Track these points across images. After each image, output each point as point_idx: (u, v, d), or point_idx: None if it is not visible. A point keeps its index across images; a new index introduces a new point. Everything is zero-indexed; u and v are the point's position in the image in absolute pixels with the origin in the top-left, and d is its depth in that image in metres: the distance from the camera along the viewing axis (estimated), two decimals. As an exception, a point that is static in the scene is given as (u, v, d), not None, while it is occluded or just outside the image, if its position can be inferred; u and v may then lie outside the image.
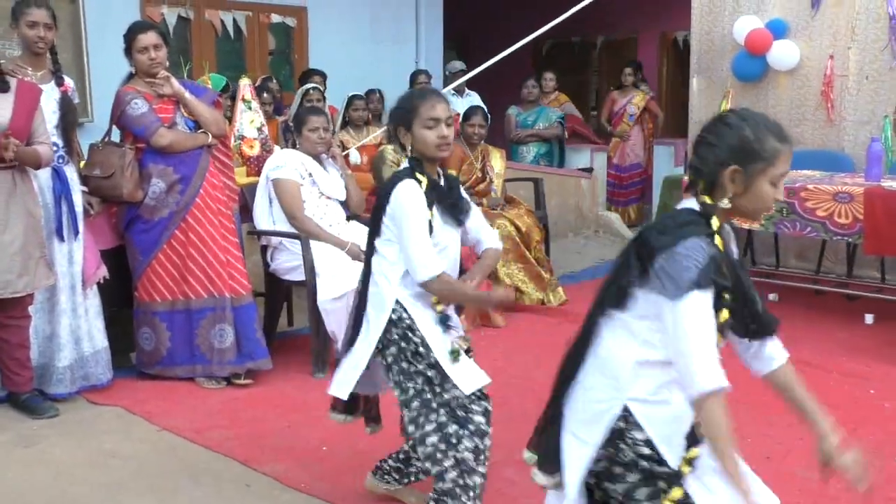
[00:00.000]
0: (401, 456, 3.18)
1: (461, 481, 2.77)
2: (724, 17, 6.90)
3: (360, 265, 4.37)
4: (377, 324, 2.87)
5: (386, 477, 3.22)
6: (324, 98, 6.60)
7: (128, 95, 4.35)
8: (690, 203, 2.17)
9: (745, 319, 2.24)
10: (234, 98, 5.79)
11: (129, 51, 4.39)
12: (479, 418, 2.85)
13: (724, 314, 2.12)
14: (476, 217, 3.06)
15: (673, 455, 2.13)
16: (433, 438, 2.79)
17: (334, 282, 4.50)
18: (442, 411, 2.81)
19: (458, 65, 8.31)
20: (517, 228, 5.99)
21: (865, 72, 6.25)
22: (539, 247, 6.14)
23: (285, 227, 4.72)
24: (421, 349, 2.82)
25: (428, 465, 2.83)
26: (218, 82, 6.05)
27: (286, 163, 4.75)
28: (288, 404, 4.19)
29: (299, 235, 4.63)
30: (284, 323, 5.40)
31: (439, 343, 2.82)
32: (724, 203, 2.13)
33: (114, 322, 4.51)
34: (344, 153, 5.82)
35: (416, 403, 2.83)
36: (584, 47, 11.91)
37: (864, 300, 5.84)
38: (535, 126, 8.17)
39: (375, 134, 6.49)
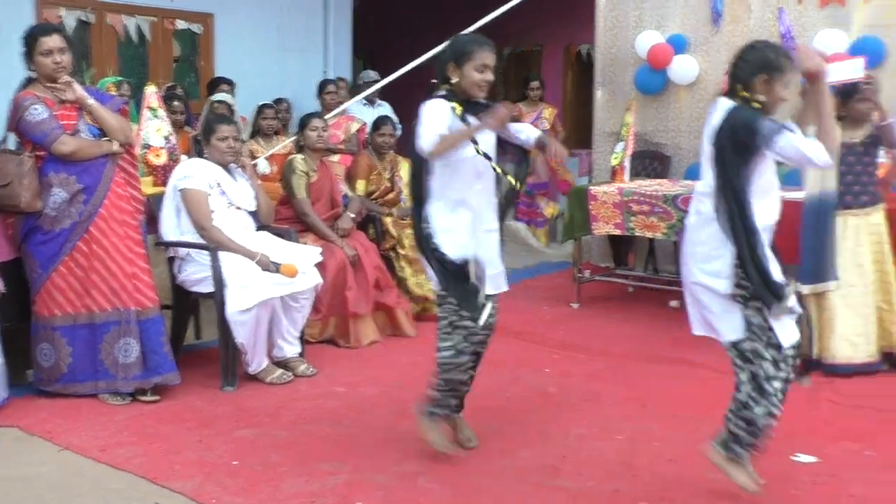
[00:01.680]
0: None
1: None
2: (626, 31, 7.09)
3: (271, 276, 4.39)
4: None
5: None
6: (232, 111, 6.51)
7: (26, 101, 4.18)
8: (729, 102, 3.12)
9: None
10: (139, 104, 5.66)
11: (29, 54, 4.23)
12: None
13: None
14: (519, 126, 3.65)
15: None
16: None
17: (244, 293, 4.44)
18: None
19: (372, 74, 8.29)
20: (427, 238, 6.01)
21: (760, 87, 6.49)
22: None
23: (193, 237, 4.63)
24: None
25: None
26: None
27: (194, 172, 4.67)
28: (197, 419, 4.11)
29: (208, 246, 4.55)
30: (192, 336, 5.29)
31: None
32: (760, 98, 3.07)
33: (9, 338, 4.34)
34: (253, 162, 5.75)
35: None
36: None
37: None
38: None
39: (285, 143, 6.43)
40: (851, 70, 4.93)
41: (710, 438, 3.30)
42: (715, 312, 3.20)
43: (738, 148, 3.03)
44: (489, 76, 3.42)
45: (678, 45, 6.75)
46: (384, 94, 8.64)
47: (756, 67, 3.08)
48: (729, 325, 3.17)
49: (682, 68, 6.75)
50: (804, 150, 2.96)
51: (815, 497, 3.35)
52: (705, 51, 6.73)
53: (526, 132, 3.64)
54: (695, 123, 6.85)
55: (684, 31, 6.79)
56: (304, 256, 4.78)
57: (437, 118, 3.34)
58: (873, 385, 4.54)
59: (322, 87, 7.55)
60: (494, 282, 3.59)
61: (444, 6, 10.53)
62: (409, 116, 8.52)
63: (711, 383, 4.54)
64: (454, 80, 3.43)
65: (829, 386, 4.49)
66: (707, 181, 3.16)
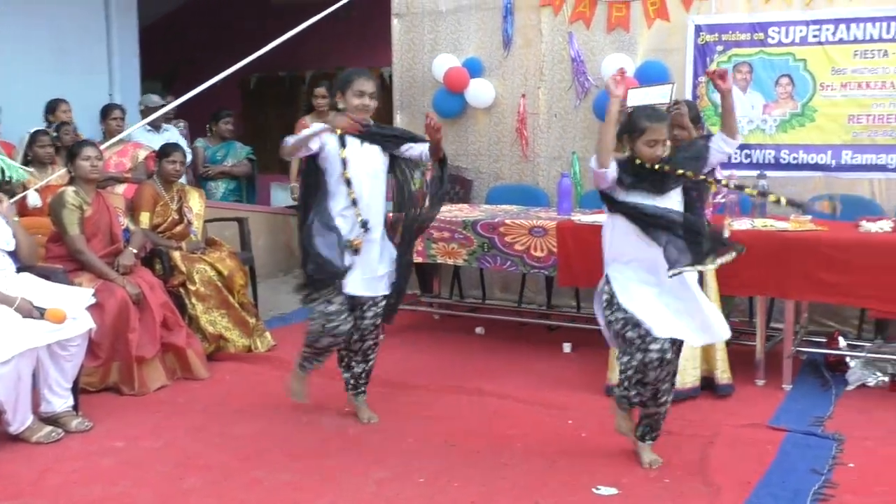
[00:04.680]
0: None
1: None
2: (423, 54, 7.02)
3: (34, 323, 3.94)
4: None
5: None
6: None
7: None
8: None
9: None
10: None
11: None
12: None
13: None
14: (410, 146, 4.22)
15: None
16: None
17: (0, 344, 3.95)
18: None
19: (156, 98, 7.80)
20: (219, 273, 5.66)
21: (554, 110, 6.58)
22: (244, 291, 5.84)
23: (-61, 283, 4.10)
24: None
25: None
26: None
27: (-62, 211, 4.14)
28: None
29: (-44, 293, 4.03)
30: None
31: None
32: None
33: None
34: (22, 195, 5.22)
35: None
36: (294, 81, 11.78)
37: (564, 329, 6.09)
38: (224, 162, 7.84)
39: (59, 173, 5.87)
40: (657, 95, 5.06)
41: (512, 478, 3.16)
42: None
43: None
44: (367, 101, 4.10)
45: (473, 68, 6.73)
46: (183, 114, 8.22)
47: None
48: None
49: (479, 91, 6.72)
50: None
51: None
52: (500, 74, 6.74)
53: (418, 149, 4.19)
54: (494, 147, 6.85)
55: (479, 55, 6.77)
56: (73, 299, 4.33)
57: (305, 132, 4.08)
58: (685, 410, 4.44)
59: (106, 112, 7.02)
60: (369, 285, 4.20)
61: (237, 27, 10.19)
62: (202, 136, 8.18)
63: (515, 414, 4.46)
64: (341, 105, 4.16)
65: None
66: None
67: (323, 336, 4.17)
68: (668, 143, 3.58)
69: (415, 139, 4.27)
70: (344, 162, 4.08)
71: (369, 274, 4.20)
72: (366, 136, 4.16)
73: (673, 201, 3.61)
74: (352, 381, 4.47)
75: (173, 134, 7.46)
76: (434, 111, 6.85)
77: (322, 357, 4.37)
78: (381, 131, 4.27)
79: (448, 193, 4.45)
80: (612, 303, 3.64)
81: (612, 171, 3.56)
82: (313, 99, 7.59)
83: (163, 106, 7.52)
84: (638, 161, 3.56)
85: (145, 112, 7.47)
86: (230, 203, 7.70)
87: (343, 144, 4.10)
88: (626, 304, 3.59)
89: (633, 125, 3.60)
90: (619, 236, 3.68)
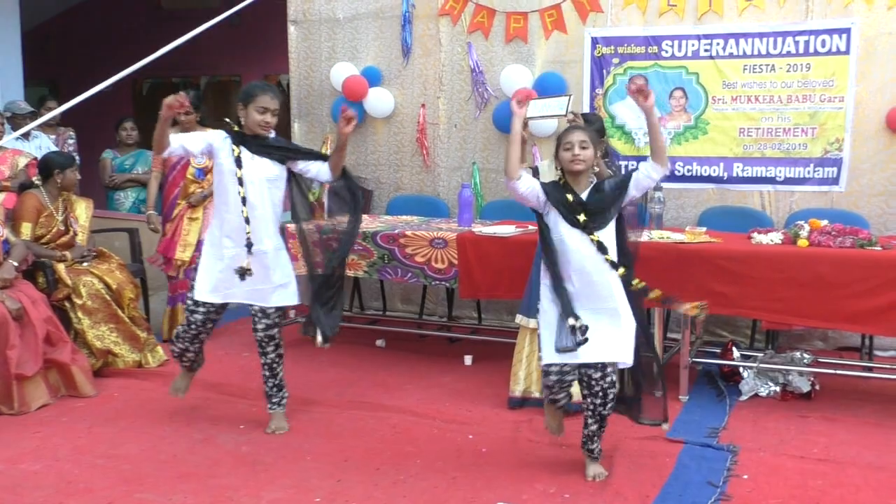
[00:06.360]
0: None
1: None
2: (320, 63, 6.91)
3: None
4: None
5: None
6: None
7: None
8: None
9: None
10: None
11: None
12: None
13: None
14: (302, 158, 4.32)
15: None
16: None
17: None
18: None
19: (22, 105, 7.39)
20: (107, 286, 5.42)
21: (454, 120, 6.56)
22: (134, 304, 5.60)
23: None
24: None
25: None
26: None
27: None
28: None
29: None
30: None
31: None
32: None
33: None
34: None
35: None
36: (188, 87, 11.49)
37: (465, 341, 6.06)
38: (133, 170, 7.55)
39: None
40: (555, 107, 5.06)
41: (412, 496, 3.08)
42: None
43: None
44: (269, 118, 4.15)
45: (372, 77, 6.65)
46: (73, 121, 7.87)
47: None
48: None
49: (378, 101, 6.64)
50: None
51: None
52: (399, 83, 6.67)
53: (315, 169, 4.28)
54: (394, 157, 6.78)
55: (378, 64, 6.69)
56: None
57: (205, 137, 4.27)
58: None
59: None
60: (256, 293, 4.24)
61: (127, 31, 9.89)
62: (93, 143, 7.87)
63: (415, 430, 4.39)
64: (242, 118, 4.18)
65: (528, 425, 4.44)
66: None
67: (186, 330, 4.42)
68: (589, 151, 3.59)
69: (310, 156, 4.34)
70: (236, 170, 4.15)
71: (258, 284, 4.22)
72: (261, 147, 4.19)
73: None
74: (266, 394, 4.49)
75: (44, 142, 7.11)
76: (332, 120, 6.79)
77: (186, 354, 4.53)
78: (277, 144, 4.27)
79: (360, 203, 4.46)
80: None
81: (523, 183, 3.60)
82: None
83: (32, 112, 7.21)
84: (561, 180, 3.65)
85: (11, 119, 7.09)
86: (129, 213, 7.41)
87: (236, 155, 4.17)
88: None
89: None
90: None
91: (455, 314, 6.40)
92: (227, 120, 4.29)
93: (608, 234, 3.60)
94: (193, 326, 4.38)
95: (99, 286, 5.40)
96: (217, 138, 4.24)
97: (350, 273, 5.62)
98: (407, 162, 6.76)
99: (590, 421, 3.73)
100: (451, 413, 4.65)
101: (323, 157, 4.33)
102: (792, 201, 5.79)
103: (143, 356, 5.56)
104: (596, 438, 3.77)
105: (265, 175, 4.20)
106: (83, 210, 5.74)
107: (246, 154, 4.18)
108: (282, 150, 4.28)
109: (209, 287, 4.29)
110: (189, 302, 4.37)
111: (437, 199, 6.59)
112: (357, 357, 5.82)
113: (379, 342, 6.13)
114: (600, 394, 3.63)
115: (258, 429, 4.42)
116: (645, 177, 3.61)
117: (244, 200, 4.14)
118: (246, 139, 4.19)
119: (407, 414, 4.62)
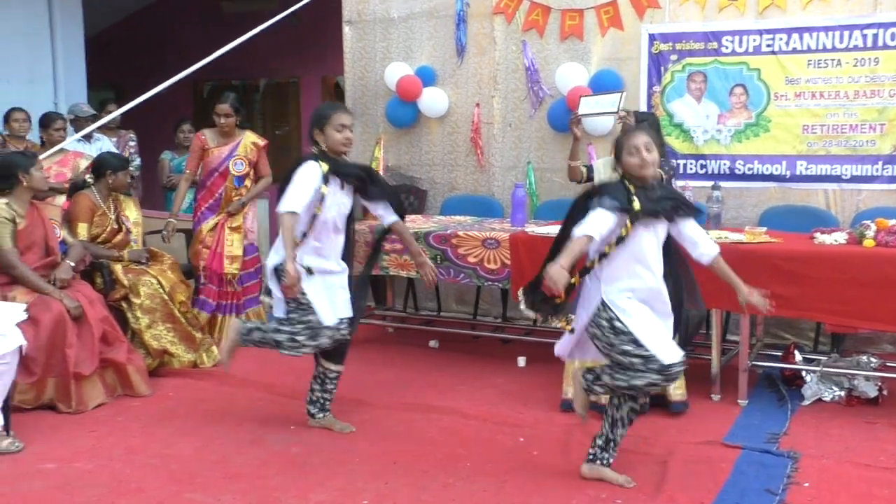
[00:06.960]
0: None
1: None
2: (375, 63, 6.89)
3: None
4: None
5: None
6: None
7: None
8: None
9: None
10: None
11: None
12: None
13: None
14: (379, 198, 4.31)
15: None
16: None
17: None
18: None
19: (85, 108, 7.51)
20: (161, 285, 5.47)
21: (509, 119, 6.48)
22: (185, 304, 5.64)
23: None
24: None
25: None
26: None
27: None
28: None
29: None
30: None
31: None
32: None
33: None
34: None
35: None
36: (247, 90, 11.60)
37: (519, 343, 5.98)
38: (191, 171, 7.63)
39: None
40: (607, 103, 4.96)
41: (460, 500, 3.01)
42: None
43: None
44: (349, 134, 4.14)
45: (427, 77, 6.61)
46: (135, 123, 8.00)
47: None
48: None
49: (432, 100, 6.61)
50: None
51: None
52: (454, 83, 6.63)
53: (381, 212, 4.34)
54: (448, 157, 6.73)
55: (432, 63, 6.66)
56: (3, 315, 4.13)
57: (304, 183, 4.02)
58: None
59: (46, 121, 6.75)
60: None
61: (186, 37, 10.00)
62: (154, 145, 7.98)
63: (465, 432, 4.34)
64: (321, 142, 4.12)
65: (580, 428, 4.31)
66: None
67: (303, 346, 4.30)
68: (654, 154, 3.50)
69: (386, 199, 4.33)
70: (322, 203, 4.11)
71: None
72: (350, 179, 4.20)
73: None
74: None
75: (105, 144, 7.21)
76: (386, 120, 6.79)
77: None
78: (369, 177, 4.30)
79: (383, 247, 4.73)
80: (613, 328, 3.49)
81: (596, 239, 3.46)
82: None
83: (93, 115, 7.32)
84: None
85: (74, 122, 7.22)
86: (185, 214, 7.48)
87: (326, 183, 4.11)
88: (632, 328, 3.46)
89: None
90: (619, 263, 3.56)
91: (509, 315, 6.32)
92: (319, 145, 4.16)
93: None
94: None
95: (156, 286, 5.45)
96: (314, 178, 4.07)
97: (403, 274, 5.60)
98: (461, 162, 6.71)
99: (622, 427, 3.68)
100: (503, 415, 4.58)
101: (397, 201, 4.36)
102: (859, 200, 5.59)
103: (199, 356, 5.60)
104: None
105: (344, 211, 4.27)
106: (132, 208, 5.80)
107: (334, 186, 4.13)
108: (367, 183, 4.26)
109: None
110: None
111: (491, 199, 6.53)
112: (410, 358, 5.79)
113: (432, 343, 6.09)
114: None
115: (308, 430, 4.41)
116: (692, 243, 3.66)
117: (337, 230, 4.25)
118: (334, 163, 4.12)
119: (457, 416, 4.57)
